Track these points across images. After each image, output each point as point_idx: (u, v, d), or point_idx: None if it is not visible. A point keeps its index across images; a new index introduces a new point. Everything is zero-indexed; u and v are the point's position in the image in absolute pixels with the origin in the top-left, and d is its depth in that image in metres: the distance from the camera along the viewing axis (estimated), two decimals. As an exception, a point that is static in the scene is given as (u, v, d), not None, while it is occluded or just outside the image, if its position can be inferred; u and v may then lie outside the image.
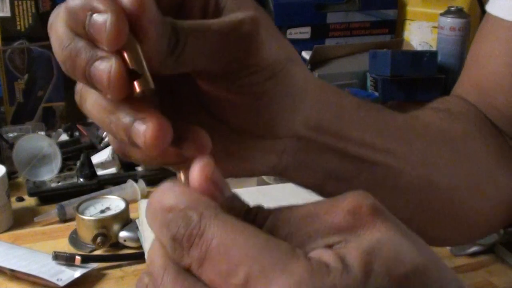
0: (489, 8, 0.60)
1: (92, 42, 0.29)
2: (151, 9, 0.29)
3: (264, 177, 0.98)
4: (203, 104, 0.37)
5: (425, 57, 1.19)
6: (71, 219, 0.88)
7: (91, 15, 0.28)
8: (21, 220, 0.90)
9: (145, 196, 0.94)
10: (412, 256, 0.25)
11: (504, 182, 0.56)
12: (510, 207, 0.57)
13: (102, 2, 0.28)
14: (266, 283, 0.24)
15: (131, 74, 0.29)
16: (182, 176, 0.30)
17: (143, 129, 0.29)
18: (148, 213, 0.28)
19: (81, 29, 0.29)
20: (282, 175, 0.42)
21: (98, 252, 0.81)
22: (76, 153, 1.01)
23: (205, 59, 0.33)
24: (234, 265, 0.25)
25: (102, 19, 0.28)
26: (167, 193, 0.28)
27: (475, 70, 0.61)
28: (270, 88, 0.36)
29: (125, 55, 0.29)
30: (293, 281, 0.24)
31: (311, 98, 0.39)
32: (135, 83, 0.29)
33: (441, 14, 1.26)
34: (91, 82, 0.30)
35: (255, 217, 0.28)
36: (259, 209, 0.29)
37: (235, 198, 0.29)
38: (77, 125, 1.09)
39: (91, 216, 0.83)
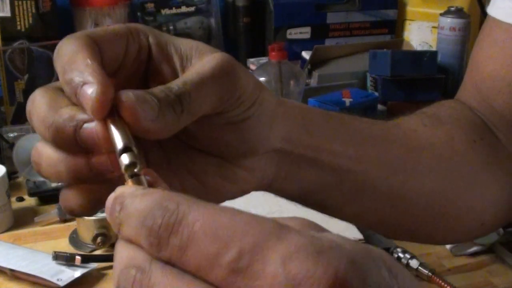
0: (489, 9, 0.61)
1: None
2: (145, 109, 0.32)
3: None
4: (188, 145, 0.40)
5: (425, 57, 1.19)
6: (71, 219, 0.88)
7: (81, 87, 0.32)
8: (21, 220, 0.90)
9: (145, 196, 0.94)
10: None
11: (495, 185, 0.57)
12: (504, 208, 0.58)
13: (90, 73, 0.32)
14: (263, 254, 0.23)
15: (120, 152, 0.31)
16: (130, 183, 0.30)
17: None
18: (118, 220, 0.27)
19: (72, 94, 0.33)
20: (270, 188, 0.45)
21: (98, 252, 0.81)
22: (76, 153, 1.01)
23: (206, 106, 0.36)
24: (224, 243, 0.24)
25: (90, 90, 0.32)
26: (135, 196, 0.27)
27: (475, 72, 0.62)
28: (251, 114, 0.40)
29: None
30: (294, 247, 0.23)
31: (281, 116, 0.43)
32: (122, 158, 0.31)
33: (441, 14, 1.26)
34: (80, 142, 0.33)
35: None
36: None
37: None
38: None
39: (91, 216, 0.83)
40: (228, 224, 0.24)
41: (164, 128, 0.33)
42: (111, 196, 0.28)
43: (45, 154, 0.35)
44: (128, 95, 0.32)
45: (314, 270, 0.22)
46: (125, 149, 0.30)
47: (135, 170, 0.30)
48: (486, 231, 0.61)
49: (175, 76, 0.38)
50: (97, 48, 0.35)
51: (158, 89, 0.34)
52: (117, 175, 0.33)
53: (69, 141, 0.33)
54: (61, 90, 0.35)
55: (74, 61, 0.33)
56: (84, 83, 0.32)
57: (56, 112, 0.34)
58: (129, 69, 0.38)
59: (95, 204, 0.36)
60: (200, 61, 0.38)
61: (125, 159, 0.30)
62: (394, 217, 0.52)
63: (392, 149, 0.51)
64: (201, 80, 0.35)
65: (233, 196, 0.42)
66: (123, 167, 0.30)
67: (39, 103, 0.35)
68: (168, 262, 0.25)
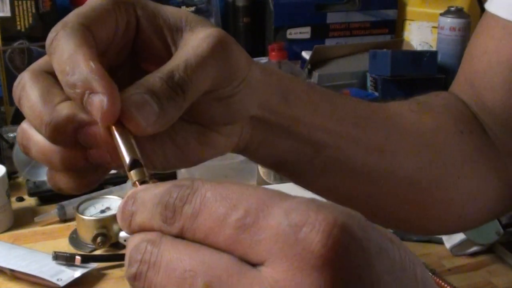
0: (487, 5, 0.61)
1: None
2: (144, 121, 0.32)
3: (263, 177, 0.98)
4: None
5: (425, 57, 1.19)
6: (71, 219, 0.88)
7: (89, 94, 0.31)
8: (21, 220, 0.90)
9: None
10: None
11: (478, 179, 0.57)
12: (486, 204, 0.57)
13: (101, 85, 0.31)
14: (268, 211, 0.24)
15: (130, 166, 0.32)
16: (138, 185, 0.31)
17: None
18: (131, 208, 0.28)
19: (76, 98, 0.32)
20: (244, 152, 0.45)
21: (98, 252, 0.81)
22: (76, 153, 1.01)
23: (207, 84, 0.36)
24: (232, 205, 0.25)
25: (99, 100, 0.31)
26: (148, 188, 0.28)
27: (469, 66, 0.61)
28: (239, 90, 0.40)
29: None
30: (296, 203, 0.24)
31: (262, 83, 0.43)
32: (132, 173, 0.31)
33: (441, 14, 1.26)
34: (80, 141, 0.33)
35: None
36: None
37: None
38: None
39: (91, 216, 0.83)
40: (237, 190, 0.25)
41: (165, 124, 0.33)
42: (124, 199, 0.28)
43: (35, 140, 0.35)
44: (126, 104, 0.32)
45: (315, 217, 0.23)
46: (134, 164, 0.31)
47: (145, 180, 0.31)
48: (465, 225, 0.61)
49: (166, 49, 0.38)
50: (93, 41, 0.34)
51: (157, 81, 0.33)
52: (115, 165, 0.34)
53: (68, 140, 0.33)
54: (52, 75, 0.34)
55: (75, 62, 0.32)
56: (92, 92, 0.31)
57: (54, 109, 0.33)
58: (119, 45, 0.37)
59: (86, 186, 0.36)
60: (194, 36, 0.37)
61: (135, 175, 0.31)
62: (369, 196, 0.52)
63: (373, 129, 0.51)
64: (201, 62, 0.35)
65: (210, 158, 0.43)
66: (132, 182, 0.31)
67: (31, 93, 0.34)
68: (179, 236, 0.26)
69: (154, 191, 0.27)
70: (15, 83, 0.35)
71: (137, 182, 0.31)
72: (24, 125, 0.35)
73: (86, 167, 0.35)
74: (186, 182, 0.26)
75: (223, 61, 0.37)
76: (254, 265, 0.24)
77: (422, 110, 0.56)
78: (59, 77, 0.33)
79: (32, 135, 0.35)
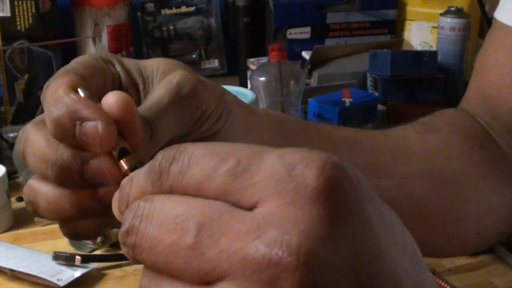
0: (496, 14, 0.59)
1: (80, 146, 0.32)
2: (135, 111, 0.32)
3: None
4: None
5: (425, 57, 1.19)
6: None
7: (80, 124, 0.31)
8: (21, 220, 0.90)
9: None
10: None
11: (493, 194, 0.56)
12: (504, 218, 0.57)
13: (91, 111, 0.31)
14: (260, 158, 0.24)
15: (119, 155, 0.32)
16: None
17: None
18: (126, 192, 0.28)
19: (69, 138, 0.32)
20: None
21: (98, 252, 0.81)
22: (76, 153, 1.01)
23: (171, 130, 0.36)
24: (222, 158, 0.25)
25: (93, 127, 0.31)
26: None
27: (481, 78, 0.60)
28: (220, 127, 0.40)
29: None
30: (288, 148, 0.24)
31: (257, 124, 0.43)
32: (122, 162, 0.31)
33: (441, 14, 1.26)
34: (88, 178, 0.32)
35: None
36: None
37: None
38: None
39: (91, 216, 0.83)
40: (225, 145, 0.25)
41: (145, 141, 0.33)
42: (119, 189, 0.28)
43: (43, 192, 0.34)
44: (117, 94, 0.32)
45: (309, 156, 0.24)
46: (122, 152, 0.31)
47: (136, 166, 0.31)
48: (484, 242, 0.60)
49: (140, 101, 0.38)
50: (82, 81, 0.34)
51: None
52: None
53: (75, 177, 0.32)
54: None
55: (57, 98, 0.32)
56: (82, 121, 0.31)
57: (57, 147, 0.32)
58: None
59: (102, 229, 0.35)
60: (157, 85, 0.37)
61: (125, 163, 0.31)
62: None
63: (378, 155, 0.50)
64: (160, 110, 0.35)
65: None
66: (124, 171, 0.31)
67: (35, 140, 0.33)
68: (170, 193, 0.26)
69: (144, 167, 0.27)
70: (18, 137, 0.35)
71: (128, 171, 0.30)
72: (30, 181, 0.35)
73: (99, 211, 0.34)
74: (173, 147, 0.26)
75: (184, 105, 0.37)
76: (248, 210, 0.24)
77: (428, 130, 0.55)
78: (46, 121, 0.33)
79: (39, 188, 0.34)
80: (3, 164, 0.91)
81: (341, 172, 0.24)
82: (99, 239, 0.80)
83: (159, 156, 0.26)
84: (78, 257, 0.75)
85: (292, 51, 1.30)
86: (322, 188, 0.23)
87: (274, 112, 0.47)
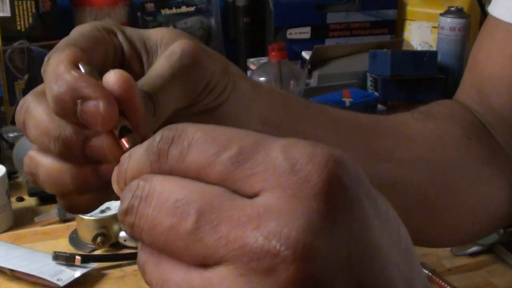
0: (490, 9, 0.60)
1: (82, 124, 0.32)
2: (136, 90, 0.31)
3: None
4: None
5: (425, 57, 1.19)
6: (71, 219, 0.88)
7: (81, 103, 0.31)
8: (21, 220, 0.90)
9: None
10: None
11: (489, 184, 0.56)
12: (500, 208, 0.57)
13: (92, 90, 0.30)
14: (264, 148, 0.24)
15: (120, 134, 0.31)
16: None
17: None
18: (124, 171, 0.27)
19: (70, 115, 0.31)
20: None
21: (98, 252, 0.81)
22: (76, 153, 1.01)
23: (174, 103, 0.36)
24: (224, 145, 0.25)
25: (94, 105, 0.30)
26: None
27: (474, 72, 0.61)
28: (224, 100, 0.39)
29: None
30: (292, 141, 0.25)
31: (261, 98, 0.42)
32: (124, 140, 0.31)
33: (441, 14, 1.26)
34: (89, 155, 0.32)
35: None
36: None
37: None
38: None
39: (91, 216, 0.83)
40: (227, 131, 0.25)
41: (147, 117, 0.33)
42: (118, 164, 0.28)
43: (44, 164, 0.34)
44: (118, 73, 0.31)
45: (312, 151, 0.24)
46: (123, 131, 0.31)
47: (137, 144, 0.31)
48: (479, 232, 0.60)
49: (143, 73, 0.37)
50: (83, 56, 0.33)
51: None
52: None
53: (77, 154, 0.32)
54: None
55: (58, 75, 0.31)
56: (84, 100, 0.31)
57: (60, 121, 0.32)
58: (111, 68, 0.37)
59: (100, 204, 0.35)
60: (161, 55, 0.37)
61: (126, 141, 0.31)
62: None
63: (378, 138, 0.50)
64: (163, 83, 0.35)
65: None
66: (125, 149, 0.31)
67: (36, 112, 0.33)
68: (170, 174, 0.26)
69: (142, 144, 0.27)
70: (18, 108, 0.34)
71: (129, 149, 0.30)
72: (31, 152, 0.35)
73: (99, 187, 0.34)
74: (172, 126, 0.26)
75: (188, 76, 0.36)
76: (248, 198, 0.24)
77: (426, 118, 0.56)
78: (47, 97, 0.32)
79: (40, 160, 0.34)
80: (3, 164, 0.90)
81: (343, 169, 0.24)
82: (99, 239, 0.81)
83: (157, 136, 0.26)
84: (78, 257, 0.75)
85: (292, 51, 1.30)
86: (323, 184, 0.23)
87: (278, 90, 0.47)
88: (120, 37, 0.37)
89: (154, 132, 0.27)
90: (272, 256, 0.22)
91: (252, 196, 0.24)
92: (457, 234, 0.59)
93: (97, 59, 0.35)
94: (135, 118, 0.32)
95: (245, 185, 0.24)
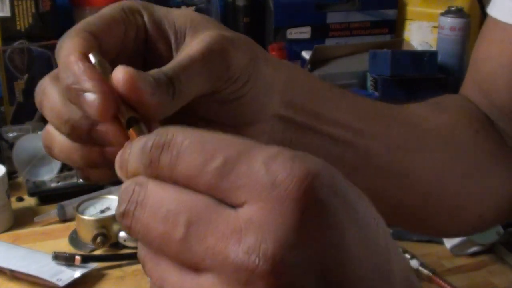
0: (489, 9, 0.61)
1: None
2: (141, 84, 0.33)
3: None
4: (189, 120, 0.41)
5: (425, 57, 1.19)
6: (71, 219, 0.88)
7: (82, 94, 0.33)
8: (21, 220, 0.90)
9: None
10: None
11: (495, 177, 0.57)
12: (504, 203, 0.58)
13: (91, 84, 0.33)
14: (247, 160, 0.26)
15: (128, 123, 0.33)
16: None
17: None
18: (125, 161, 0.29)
19: (75, 101, 0.34)
20: None
21: (98, 252, 0.81)
22: (76, 153, 1.01)
23: (197, 88, 0.37)
24: (210, 155, 0.26)
25: (91, 99, 0.32)
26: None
27: (475, 71, 0.63)
28: (246, 91, 0.40)
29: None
30: (273, 153, 0.26)
31: (282, 81, 0.43)
32: (131, 130, 0.32)
33: (441, 14, 1.26)
34: (95, 139, 0.35)
35: None
36: None
37: None
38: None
39: (91, 216, 0.83)
40: (213, 140, 0.27)
41: (161, 105, 0.34)
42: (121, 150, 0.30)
43: (58, 140, 0.36)
44: (124, 71, 0.32)
45: (291, 165, 0.26)
46: (131, 121, 0.32)
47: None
48: (484, 224, 0.61)
49: (171, 54, 0.38)
50: (95, 44, 0.35)
51: (151, 71, 0.34)
52: None
53: (85, 137, 0.35)
54: None
55: (68, 65, 0.33)
56: (84, 91, 0.32)
57: (71, 107, 0.34)
58: (129, 52, 0.38)
59: (112, 177, 0.37)
60: (193, 39, 0.38)
61: (134, 132, 0.32)
62: (394, 195, 0.52)
63: (394, 127, 0.51)
64: (191, 64, 0.36)
65: None
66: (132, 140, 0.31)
67: (51, 95, 0.35)
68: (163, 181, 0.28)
69: (142, 139, 0.28)
70: (37, 89, 0.37)
71: None
72: (48, 127, 0.37)
73: (105, 164, 0.36)
74: (162, 131, 0.28)
75: (216, 64, 0.37)
76: (233, 207, 0.26)
77: (439, 110, 0.57)
78: (61, 82, 0.34)
79: (55, 136, 0.37)
80: (3, 164, 0.91)
81: (320, 182, 0.26)
82: (99, 239, 0.81)
83: (150, 141, 0.28)
84: (78, 257, 0.75)
85: (292, 51, 1.30)
86: (300, 198, 0.25)
87: (302, 69, 0.48)
88: (146, 18, 0.38)
89: (162, 123, 0.30)
90: (251, 271, 0.25)
91: (238, 205, 0.26)
92: (464, 225, 0.60)
93: (111, 43, 0.36)
94: (141, 110, 0.33)
95: (230, 196, 0.26)
